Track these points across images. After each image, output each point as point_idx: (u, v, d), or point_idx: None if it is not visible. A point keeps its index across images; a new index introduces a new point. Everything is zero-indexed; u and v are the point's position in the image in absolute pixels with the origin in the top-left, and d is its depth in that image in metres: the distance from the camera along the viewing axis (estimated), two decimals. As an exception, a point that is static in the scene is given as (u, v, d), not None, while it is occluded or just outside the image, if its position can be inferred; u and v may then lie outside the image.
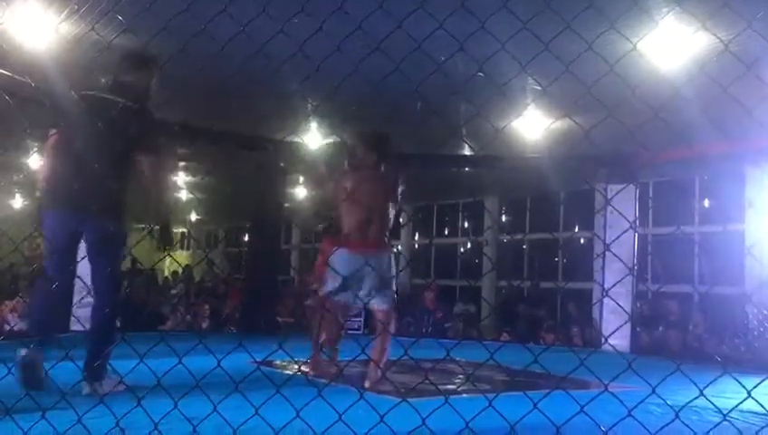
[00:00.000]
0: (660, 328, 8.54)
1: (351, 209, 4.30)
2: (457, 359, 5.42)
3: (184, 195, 14.05)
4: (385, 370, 4.24)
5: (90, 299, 3.80)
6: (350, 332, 9.23)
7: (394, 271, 4.50)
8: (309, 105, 6.99)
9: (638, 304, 8.73)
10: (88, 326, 3.68)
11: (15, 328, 7.47)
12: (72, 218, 3.60)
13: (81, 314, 3.96)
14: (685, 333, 8.21)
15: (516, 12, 2.36)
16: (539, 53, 2.28)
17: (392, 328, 4.41)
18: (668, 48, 4.84)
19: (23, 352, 3.43)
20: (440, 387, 4.15)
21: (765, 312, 7.51)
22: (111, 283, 3.74)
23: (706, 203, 9.81)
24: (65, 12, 4.98)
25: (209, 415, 2.40)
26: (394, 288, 4.37)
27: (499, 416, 2.22)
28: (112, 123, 3.43)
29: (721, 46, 3.99)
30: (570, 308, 9.95)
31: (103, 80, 4.08)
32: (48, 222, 3.66)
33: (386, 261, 4.36)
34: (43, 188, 3.73)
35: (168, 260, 14.77)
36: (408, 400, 2.63)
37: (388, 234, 4.43)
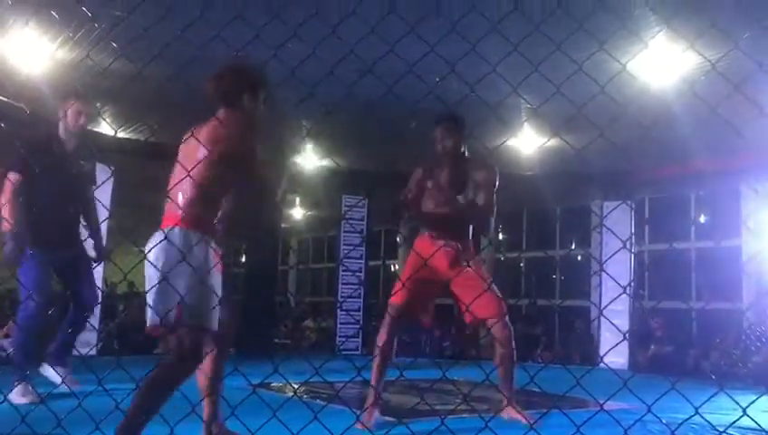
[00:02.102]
0: (658, 345, 8.53)
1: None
2: (454, 379, 5.41)
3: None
4: None
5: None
6: (344, 352, 9.21)
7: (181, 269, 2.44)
8: (304, 127, 7.04)
9: (635, 322, 8.72)
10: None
11: (11, 354, 7.40)
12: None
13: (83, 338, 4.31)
14: (683, 350, 8.19)
15: (509, 33, 2.39)
16: (528, 75, 2.30)
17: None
18: (660, 67, 4.89)
19: None
20: (436, 408, 4.14)
21: (763, 328, 7.51)
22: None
23: (702, 219, 9.84)
24: (61, 38, 5.01)
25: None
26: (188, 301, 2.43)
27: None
28: None
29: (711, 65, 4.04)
30: (567, 326, 9.94)
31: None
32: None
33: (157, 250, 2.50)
34: None
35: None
36: (405, 421, 2.63)
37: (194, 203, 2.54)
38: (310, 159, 8.77)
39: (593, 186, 8.91)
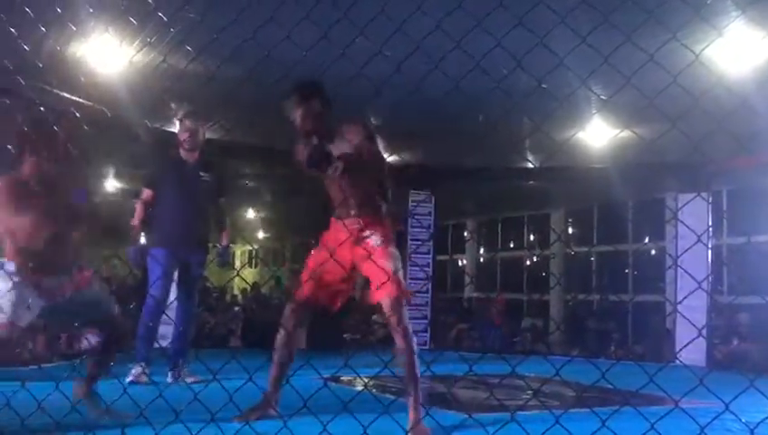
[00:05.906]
0: (738, 341, 8.23)
1: None
2: (524, 374, 5.35)
3: (251, 214, 14.33)
4: None
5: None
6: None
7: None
8: (372, 124, 7.08)
9: (713, 317, 8.42)
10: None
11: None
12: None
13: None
14: (763, 346, 7.87)
15: (577, 22, 2.35)
16: (599, 67, 2.26)
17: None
18: (736, 55, 4.71)
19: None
20: (506, 403, 4.12)
21: None
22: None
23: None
24: (138, 42, 5.21)
25: (279, 431, 2.46)
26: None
27: (566, 433, 2.19)
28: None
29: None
30: (641, 322, 9.71)
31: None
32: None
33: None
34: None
35: (236, 278, 15.10)
36: (474, 416, 2.63)
37: None
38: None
39: (668, 178, 8.65)
